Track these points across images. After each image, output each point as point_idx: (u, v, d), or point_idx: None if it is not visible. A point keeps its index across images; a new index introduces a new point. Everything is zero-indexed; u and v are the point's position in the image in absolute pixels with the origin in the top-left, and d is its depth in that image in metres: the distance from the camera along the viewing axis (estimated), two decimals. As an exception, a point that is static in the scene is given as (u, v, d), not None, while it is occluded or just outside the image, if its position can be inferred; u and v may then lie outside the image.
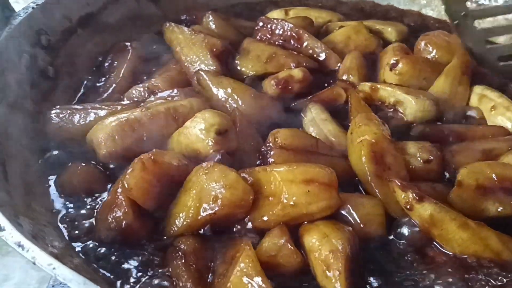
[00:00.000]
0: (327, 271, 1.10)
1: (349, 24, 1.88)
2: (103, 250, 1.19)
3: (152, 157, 1.24)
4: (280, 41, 1.77)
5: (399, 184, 1.21)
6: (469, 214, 1.22)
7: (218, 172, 1.20)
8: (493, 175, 1.25)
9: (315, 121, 1.51)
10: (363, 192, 1.33)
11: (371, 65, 1.75)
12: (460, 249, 1.18)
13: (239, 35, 1.86)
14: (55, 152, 1.44)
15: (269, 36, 1.78)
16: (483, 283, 1.12)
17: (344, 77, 1.68)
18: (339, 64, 1.71)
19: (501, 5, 1.68)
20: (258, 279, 1.04)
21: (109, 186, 1.35)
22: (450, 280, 1.13)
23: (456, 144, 1.42)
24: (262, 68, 1.70)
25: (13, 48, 1.54)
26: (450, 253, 1.18)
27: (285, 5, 2.13)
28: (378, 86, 1.58)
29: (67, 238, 1.23)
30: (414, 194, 1.18)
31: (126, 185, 1.20)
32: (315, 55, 1.76)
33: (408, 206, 1.19)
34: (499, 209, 1.23)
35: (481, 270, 1.16)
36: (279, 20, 1.81)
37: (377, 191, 1.28)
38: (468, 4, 1.53)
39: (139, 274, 1.15)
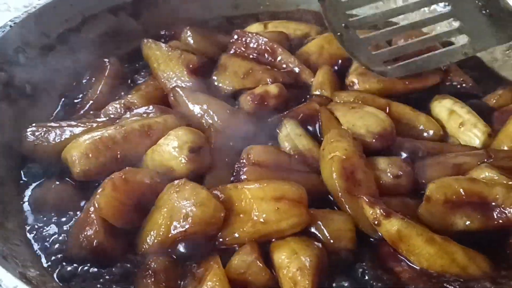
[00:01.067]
0: (294, 288, 1.11)
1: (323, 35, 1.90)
2: (73, 269, 1.20)
3: (123, 176, 1.25)
4: (255, 55, 1.79)
5: (367, 200, 1.22)
6: (438, 228, 1.24)
7: (189, 190, 1.22)
8: (461, 190, 1.27)
9: (290, 136, 1.52)
10: (337, 208, 1.34)
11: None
12: (428, 264, 1.19)
13: (217, 50, 1.87)
14: (31, 170, 1.44)
15: (244, 49, 1.80)
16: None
17: (318, 92, 1.69)
18: (312, 79, 1.73)
19: (378, 13, 1.75)
20: (225, 298, 1.05)
21: (83, 203, 1.35)
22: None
23: (427, 159, 1.43)
24: (239, 83, 1.71)
25: (-10, 67, 1.55)
26: (418, 268, 1.20)
27: (265, 19, 2.15)
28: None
29: (38, 256, 1.24)
30: (381, 210, 1.20)
31: (96, 205, 1.21)
32: (289, 70, 1.77)
33: (376, 222, 1.21)
34: (466, 223, 1.25)
35: (449, 284, 1.17)
36: (254, 34, 1.82)
37: (347, 206, 1.29)
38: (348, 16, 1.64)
39: (111, 292, 1.16)
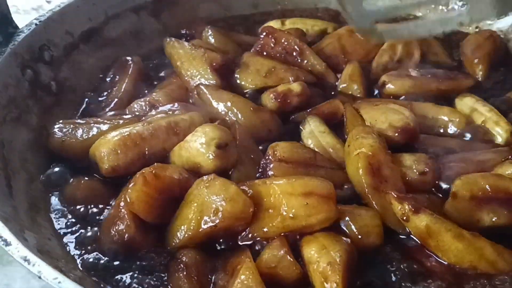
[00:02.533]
0: (325, 283, 1.12)
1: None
2: (104, 262, 1.22)
3: (154, 171, 1.26)
4: (282, 53, 1.80)
5: (396, 196, 1.23)
6: (464, 224, 1.25)
7: (219, 185, 1.23)
8: (487, 186, 1.27)
9: (314, 133, 1.54)
10: (363, 204, 1.35)
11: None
12: (456, 260, 1.20)
13: (238, 49, 1.89)
14: (59, 167, 1.46)
15: (272, 46, 1.81)
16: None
17: (345, 85, 1.71)
18: (336, 81, 1.75)
19: None
20: (259, 291, 1.07)
21: (111, 200, 1.37)
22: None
23: (452, 155, 1.44)
24: (262, 82, 1.73)
25: (17, 64, 1.57)
26: (446, 263, 1.21)
27: (279, 16, 2.16)
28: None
29: (70, 251, 1.26)
30: (410, 206, 1.21)
31: (128, 199, 1.23)
32: (313, 70, 1.79)
33: (404, 218, 1.22)
34: (493, 219, 1.26)
35: (477, 280, 1.18)
36: (284, 32, 1.84)
37: (374, 202, 1.30)
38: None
39: (141, 287, 1.17)
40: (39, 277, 0.98)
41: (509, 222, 1.26)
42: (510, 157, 1.41)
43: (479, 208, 1.27)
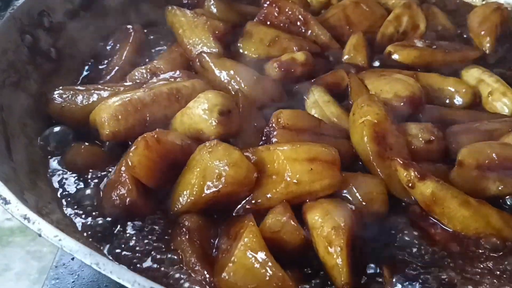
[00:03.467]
0: (329, 247, 1.11)
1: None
2: (105, 226, 1.20)
3: (156, 136, 1.24)
4: (286, 22, 1.77)
5: (401, 162, 1.22)
6: (470, 193, 1.23)
7: (222, 150, 1.21)
8: (494, 155, 1.26)
9: (318, 103, 1.52)
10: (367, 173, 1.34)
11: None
12: (462, 227, 1.19)
13: (240, 18, 1.86)
14: (58, 132, 1.44)
15: (276, 15, 1.78)
16: (484, 257, 1.14)
17: (350, 55, 1.69)
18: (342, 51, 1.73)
19: None
20: (262, 254, 1.05)
21: (112, 165, 1.35)
22: (450, 256, 1.15)
23: (458, 125, 1.42)
24: (265, 51, 1.70)
25: (16, 29, 1.54)
26: (451, 230, 1.20)
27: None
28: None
29: (69, 215, 1.24)
30: (416, 172, 1.19)
31: (129, 163, 1.21)
32: (317, 40, 1.76)
33: (410, 184, 1.20)
34: (499, 188, 1.25)
35: (482, 246, 1.17)
36: (289, 1, 1.81)
37: (378, 170, 1.28)
38: None
39: (143, 250, 1.16)
40: (39, 235, 0.96)
41: None
42: (517, 127, 1.39)
43: (485, 176, 1.26)
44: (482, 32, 1.79)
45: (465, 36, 1.84)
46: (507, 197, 1.26)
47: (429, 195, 1.19)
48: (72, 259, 1.40)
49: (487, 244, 1.16)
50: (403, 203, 1.27)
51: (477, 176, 1.25)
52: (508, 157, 1.27)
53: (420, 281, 1.11)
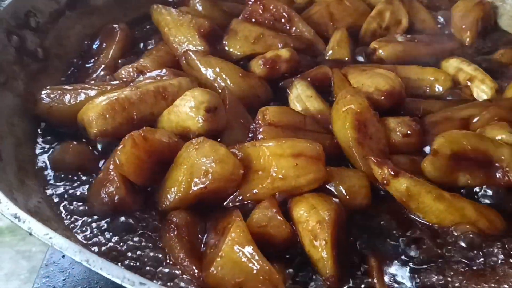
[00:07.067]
0: (314, 241, 1.13)
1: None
2: (94, 224, 1.22)
3: (143, 134, 1.26)
4: (270, 20, 1.79)
5: (375, 161, 1.24)
6: (441, 182, 1.26)
7: (208, 147, 1.23)
8: (468, 146, 1.28)
9: (301, 97, 1.54)
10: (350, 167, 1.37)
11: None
12: (438, 220, 1.22)
13: (226, 16, 1.87)
14: (46, 131, 1.45)
15: (261, 12, 1.80)
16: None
17: (333, 51, 1.72)
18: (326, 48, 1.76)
19: None
20: (249, 248, 1.07)
21: (100, 164, 1.37)
22: (428, 247, 1.18)
23: (433, 114, 1.46)
24: (250, 48, 1.72)
25: (2, 30, 1.55)
26: (429, 224, 1.23)
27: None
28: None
29: (59, 213, 1.25)
30: (389, 170, 1.22)
31: (117, 161, 1.22)
32: (302, 37, 1.78)
33: (385, 182, 1.23)
34: (468, 181, 1.28)
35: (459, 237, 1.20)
36: None
37: (357, 156, 1.32)
38: None
39: (132, 247, 1.18)
40: (30, 234, 0.98)
41: (483, 185, 1.28)
42: (496, 118, 1.41)
43: (457, 167, 1.28)
44: (463, 26, 1.82)
45: (446, 32, 1.87)
46: (476, 188, 1.28)
47: (404, 191, 1.22)
48: (63, 257, 1.41)
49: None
50: (386, 194, 1.29)
51: (449, 166, 1.27)
52: (481, 150, 1.29)
53: (408, 268, 1.15)
